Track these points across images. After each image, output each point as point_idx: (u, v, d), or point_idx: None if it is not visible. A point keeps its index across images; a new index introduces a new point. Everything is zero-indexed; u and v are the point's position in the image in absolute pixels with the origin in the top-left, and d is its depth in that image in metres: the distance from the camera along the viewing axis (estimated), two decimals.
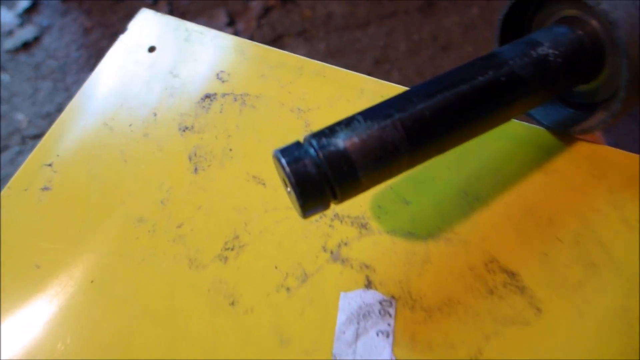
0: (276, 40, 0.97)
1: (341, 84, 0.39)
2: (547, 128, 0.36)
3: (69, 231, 0.36)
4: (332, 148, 0.26)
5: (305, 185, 0.25)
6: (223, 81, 0.41)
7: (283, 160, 0.25)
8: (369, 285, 0.32)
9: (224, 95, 0.40)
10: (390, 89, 0.39)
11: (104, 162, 0.39)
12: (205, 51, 0.43)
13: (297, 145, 0.26)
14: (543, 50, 0.30)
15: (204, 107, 0.40)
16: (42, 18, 1.17)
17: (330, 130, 0.27)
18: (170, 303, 0.33)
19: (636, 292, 0.30)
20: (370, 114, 0.27)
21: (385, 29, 0.98)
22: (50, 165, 0.39)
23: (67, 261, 0.36)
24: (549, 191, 0.34)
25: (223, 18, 1.12)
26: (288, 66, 0.41)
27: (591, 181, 0.34)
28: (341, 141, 0.26)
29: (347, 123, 0.27)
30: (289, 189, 0.26)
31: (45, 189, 0.38)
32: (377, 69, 0.91)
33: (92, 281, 0.35)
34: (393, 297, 0.32)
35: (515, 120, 0.36)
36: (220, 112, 0.40)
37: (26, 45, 1.12)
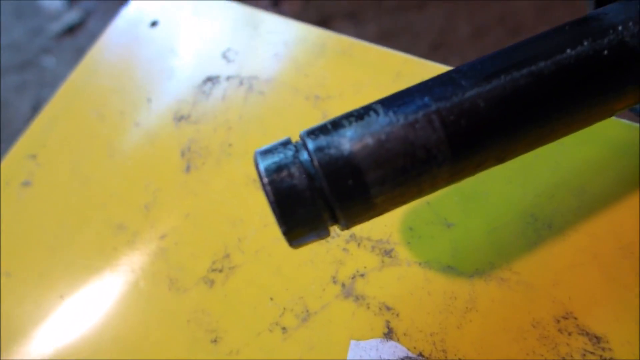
0: (322, 23, 0.89)
1: (371, 65, 0.31)
2: None
3: (45, 236, 0.31)
4: (332, 152, 0.18)
5: (290, 205, 0.17)
6: (229, 61, 0.34)
7: (261, 167, 0.18)
8: (389, 334, 0.24)
9: (228, 78, 0.33)
10: (437, 72, 0.30)
11: (90, 156, 0.33)
12: (213, 25, 0.36)
13: (285, 145, 0.18)
14: None
15: (204, 92, 0.33)
16: (87, 2, 1.17)
17: (335, 125, 0.18)
18: (143, 332, 0.27)
19: None
20: (395, 102, 0.19)
21: (444, 11, 0.86)
22: (34, 156, 0.34)
23: (39, 270, 0.31)
24: None
25: None
26: (308, 42, 0.33)
27: None
28: (347, 142, 0.18)
29: (360, 115, 0.19)
30: None
31: (26, 183, 0.33)
32: (433, 55, 0.80)
33: (61, 296, 0.29)
34: (421, 354, 0.23)
35: (615, 118, 0.26)
36: (222, 98, 0.33)
37: (71, 29, 1.12)
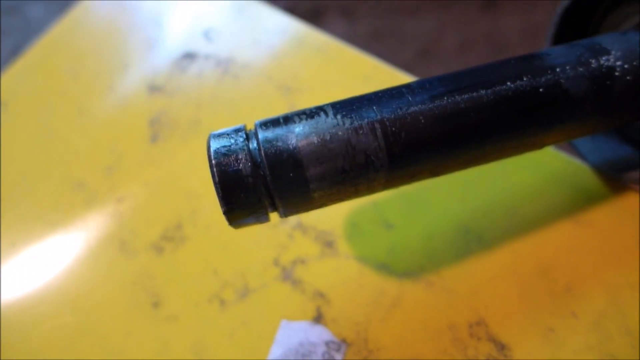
0: (314, 16, 0.89)
1: (344, 65, 0.32)
2: (593, 166, 0.27)
3: (2, 183, 0.32)
4: (279, 144, 0.19)
5: (233, 187, 0.19)
6: (210, 40, 0.35)
7: (211, 149, 0.19)
8: (318, 318, 0.26)
9: (206, 57, 0.34)
10: (403, 82, 0.31)
11: (59, 112, 0.34)
12: (199, 3, 0.36)
13: (237, 132, 0.20)
14: (608, 60, 0.21)
15: (181, 67, 0.34)
16: None
17: (286, 120, 0.20)
18: (88, 289, 0.28)
19: None
20: (346, 107, 0.20)
21: (435, 19, 0.87)
22: (4, 104, 0.35)
23: None
24: (576, 249, 0.26)
25: None
26: (288, 34, 0.34)
27: (635, 247, 0.26)
28: (294, 137, 0.19)
29: (312, 114, 0.20)
30: None
31: None
32: (418, 61, 0.82)
33: (13, 244, 0.30)
34: (344, 340, 0.25)
35: (552, 149, 0.28)
36: (198, 76, 0.33)
37: None
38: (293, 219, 0.28)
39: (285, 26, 0.34)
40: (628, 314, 0.24)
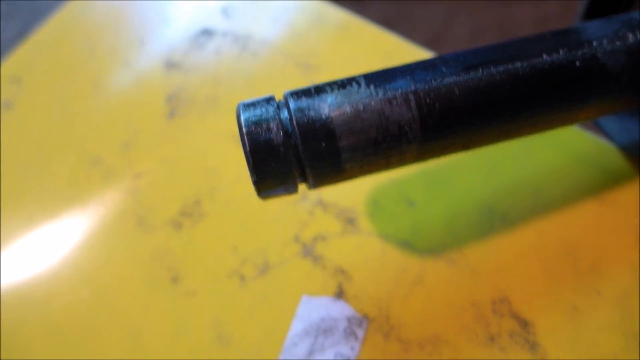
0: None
1: (365, 43, 0.32)
2: (620, 147, 0.27)
3: (19, 158, 0.32)
4: (312, 114, 0.19)
5: (264, 156, 0.18)
6: (228, 17, 0.34)
7: (242, 118, 0.19)
8: (340, 294, 0.26)
9: (224, 33, 0.33)
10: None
11: (75, 87, 0.33)
12: None
13: (268, 101, 0.19)
14: None
15: (198, 43, 0.33)
16: None
17: (318, 90, 0.19)
18: (105, 264, 0.28)
19: None
20: (378, 78, 0.20)
21: (446, 7, 0.87)
22: (19, 79, 0.34)
23: (10, 191, 0.31)
24: (602, 228, 0.26)
25: None
26: (306, 11, 0.33)
27: None
28: (327, 107, 0.19)
29: (343, 84, 0.20)
30: None
31: (7, 104, 0.33)
32: (428, 48, 0.81)
33: (30, 219, 0.30)
34: (366, 316, 0.25)
35: (577, 128, 0.28)
36: (216, 53, 0.33)
37: None
38: (314, 196, 0.28)
39: (304, 3, 0.34)
40: None
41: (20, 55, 0.35)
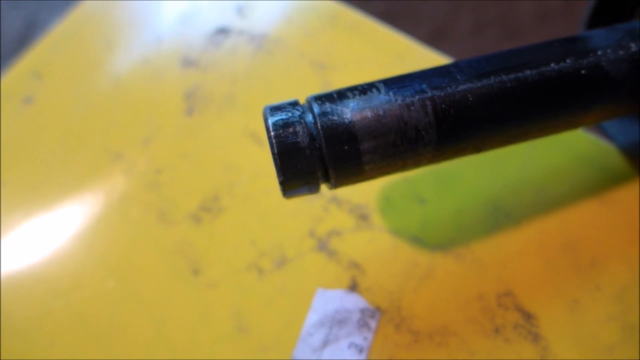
0: None
1: (378, 44, 0.33)
2: (621, 149, 0.28)
3: (41, 152, 0.33)
4: (335, 118, 0.20)
5: (290, 158, 0.20)
6: (243, 16, 0.35)
7: (270, 121, 0.20)
8: (353, 287, 0.27)
9: (240, 32, 0.34)
10: (436, 60, 0.32)
11: (95, 83, 0.34)
12: None
13: (293, 105, 0.20)
14: None
15: (215, 42, 0.34)
16: None
17: (340, 95, 0.21)
18: (128, 255, 0.29)
19: None
20: (397, 84, 0.21)
21: (451, 1, 0.87)
22: (39, 74, 0.35)
23: (33, 184, 0.32)
24: (602, 226, 0.27)
25: None
26: (320, 11, 0.34)
27: None
28: (349, 112, 0.20)
29: (364, 90, 0.21)
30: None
31: (28, 100, 0.34)
32: (431, 42, 0.82)
33: (53, 212, 0.31)
34: (378, 308, 0.27)
35: (580, 130, 0.29)
36: (232, 52, 0.34)
37: None
38: (328, 193, 0.29)
39: (317, 4, 0.35)
40: None
41: (40, 52, 0.36)
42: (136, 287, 0.29)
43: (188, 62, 0.34)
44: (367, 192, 0.29)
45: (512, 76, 0.21)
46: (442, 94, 0.21)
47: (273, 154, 0.20)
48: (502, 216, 0.28)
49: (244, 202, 0.30)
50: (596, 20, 0.28)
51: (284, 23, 0.34)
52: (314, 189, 0.21)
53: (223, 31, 0.35)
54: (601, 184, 0.28)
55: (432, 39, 0.88)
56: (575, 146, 0.29)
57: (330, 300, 0.27)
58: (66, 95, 0.34)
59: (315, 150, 0.20)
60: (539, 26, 0.90)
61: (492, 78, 0.21)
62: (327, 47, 0.33)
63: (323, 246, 0.28)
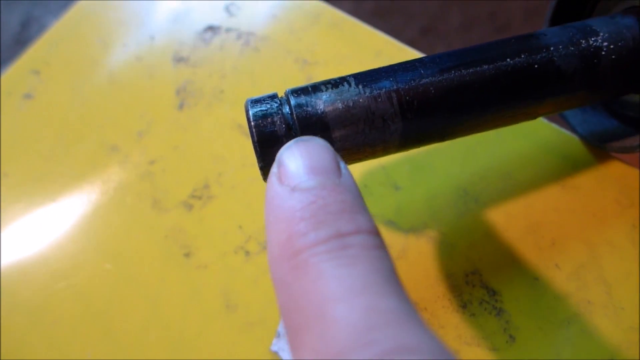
0: None
1: (357, 41, 0.35)
2: (580, 137, 0.31)
3: (41, 146, 0.35)
4: (309, 109, 0.22)
5: (269, 146, 0.22)
6: (231, 14, 0.37)
7: (250, 113, 0.22)
8: None
9: (228, 30, 0.36)
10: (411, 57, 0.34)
11: (91, 80, 0.36)
12: None
13: (272, 98, 0.23)
14: (596, 41, 0.24)
15: (204, 39, 0.36)
16: None
17: (314, 89, 0.23)
18: (124, 240, 0.31)
19: (630, 348, 0.26)
20: (366, 78, 0.23)
21: None
22: (37, 72, 0.37)
23: (34, 175, 0.34)
24: (562, 210, 0.29)
25: None
26: (304, 10, 0.36)
27: (614, 209, 0.29)
28: (322, 104, 0.22)
29: (336, 84, 0.23)
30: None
31: (28, 96, 0.36)
32: (422, 38, 0.84)
33: (54, 201, 0.33)
34: None
35: (544, 120, 0.31)
36: (220, 49, 0.36)
37: None
38: None
39: (300, 3, 0.37)
40: (604, 267, 0.28)
41: (38, 50, 0.38)
42: (132, 269, 0.31)
43: (179, 59, 0.36)
44: None
45: (470, 70, 0.23)
46: (407, 86, 0.23)
47: (253, 142, 0.22)
48: (470, 201, 0.30)
49: (231, 190, 0.32)
50: (559, 19, 0.30)
51: (270, 21, 0.36)
52: None
53: (212, 29, 0.37)
54: (563, 170, 0.30)
55: (423, 35, 0.90)
56: (539, 136, 0.31)
57: None
58: (64, 92, 0.36)
59: (292, 138, 0.22)
60: (527, 22, 0.92)
61: (453, 72, 0.23)
62: (310, 44, 0.35)
63: None
